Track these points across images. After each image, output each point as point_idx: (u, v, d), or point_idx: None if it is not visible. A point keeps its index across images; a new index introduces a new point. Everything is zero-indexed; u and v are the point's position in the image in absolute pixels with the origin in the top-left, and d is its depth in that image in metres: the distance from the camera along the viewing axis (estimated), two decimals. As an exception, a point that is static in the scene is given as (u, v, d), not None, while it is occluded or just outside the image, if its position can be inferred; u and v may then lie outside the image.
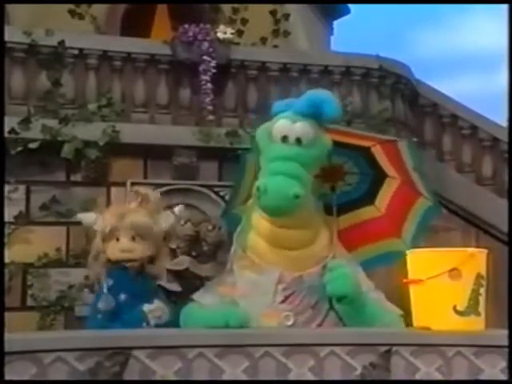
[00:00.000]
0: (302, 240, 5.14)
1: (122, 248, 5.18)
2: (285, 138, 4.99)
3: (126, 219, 5.22)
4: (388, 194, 5.63)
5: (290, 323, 5.04)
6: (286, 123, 5.02)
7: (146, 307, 5.06)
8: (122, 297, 5.08)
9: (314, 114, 4.98)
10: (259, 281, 5.13)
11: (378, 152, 5.52)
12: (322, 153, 5.09)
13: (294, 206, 4.83)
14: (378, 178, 5.63)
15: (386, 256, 5.56)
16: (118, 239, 5.19)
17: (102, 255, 5.23)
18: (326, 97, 5.05)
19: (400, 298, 4.86)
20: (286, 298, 5.11)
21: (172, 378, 3.80)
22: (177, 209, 5.48)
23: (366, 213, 5.70)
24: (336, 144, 5.30)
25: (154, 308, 5.09)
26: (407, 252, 4.49)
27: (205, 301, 5.22)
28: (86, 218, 5.39)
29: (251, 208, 5.30)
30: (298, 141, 4.97)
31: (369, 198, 5.69)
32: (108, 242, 5.21)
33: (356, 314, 4.98)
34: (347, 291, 4.94)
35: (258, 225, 5.20)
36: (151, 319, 5.02)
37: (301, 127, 4.98)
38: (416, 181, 5.50)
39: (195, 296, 5.37)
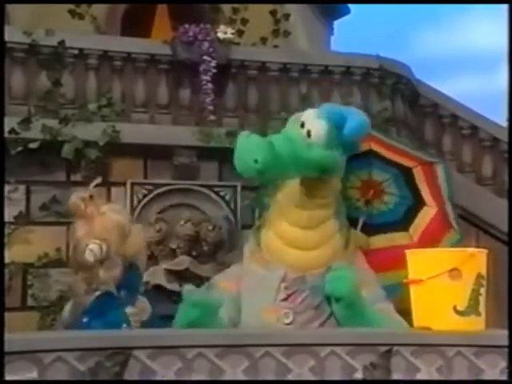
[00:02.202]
0: (313, 241, 5.16)
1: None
2: (303, 125, 5.02)
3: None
4: (423, 223, 5.60)
5: (288, 321, 5.06)
6: (311, 114, 5.05)
7: (129, 309, 5.01)
8: (122, 293, 5.06)
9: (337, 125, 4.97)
10: (265, 276, 5.16)
11: (419, 174, 5.51)
12: (324, 161, 4.99)
13: (253, 170, 4.79)
14: (415, 204, 5.59)
15: None
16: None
17: (117, 256, 5.12)
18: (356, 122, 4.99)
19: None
20: (288, 296, 5.13)
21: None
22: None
23: (399, 238, 5.65)
24: (380, 158, 5.30)
25: (136, 312, 5.03)
26: (407, 252, 4.49)
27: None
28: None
29: (274, 205, 5.32)
30: (308, 134, 4.98)
31: (404, 223, 5.66)
32: (126, 237, 5.14)
33: (353, 319, 4.97)
34: (344, 293, 4.95)
35: (274, 222, 5.22)
36: (133, 322, 4.97)
37: (317, 124, 4.98)
38: (449, 210, 5.49)
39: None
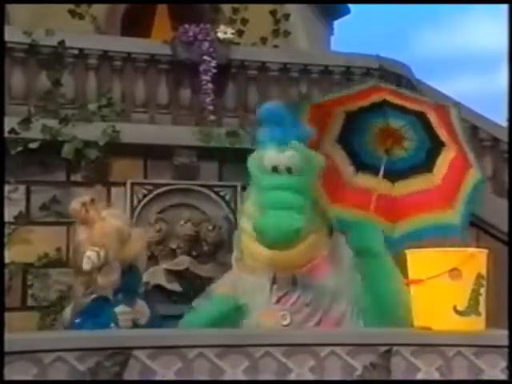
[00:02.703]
0: None
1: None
2: (275, 168, 5.03)
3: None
4: (445, 164, 5.61)
5: (286, 322, 5.06)
6: (274, 154, 5.07)
7: (119, 308, 4.99)
8: (119, 296, 5.04)
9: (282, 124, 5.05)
10: (254, 282, 5.15)
11: (433, 118, 5.50)
12: (314, 174, 5.09)
13: (294, 238, 4.87)
14: (434, 146, 5.60)
15: (439, 228, 5.54)
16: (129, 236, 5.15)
17: (115, 261, 5.08)
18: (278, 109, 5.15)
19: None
20: (280, 298, 5.13)
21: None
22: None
23: (423, 182, 5.68)
24: (394, 106, 5.32)
25: (125, 311, 5.01)
26: (407, 252, 4.49)
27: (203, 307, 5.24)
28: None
29: (243, 211, 5.33)
30: (289, 170, 5.02)
31: (426, 166, 5.67)
32: (125, 242, 5.13)
33: (378, 271, 5.04)
34: (367, 244, 5.02)
35: (247, 228, 5.22)
36: (121, 321, 4.95)
37: (289, 156, 5.04)
38: (467, 150, 5.51)
39: (194, 303, 5.38)
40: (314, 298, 5.14)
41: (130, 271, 5.14)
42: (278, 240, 4.84)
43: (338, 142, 5.64)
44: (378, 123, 5.60)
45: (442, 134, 5.54)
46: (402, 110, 5.49)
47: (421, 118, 5.53)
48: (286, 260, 5.12)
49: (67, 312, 5.27)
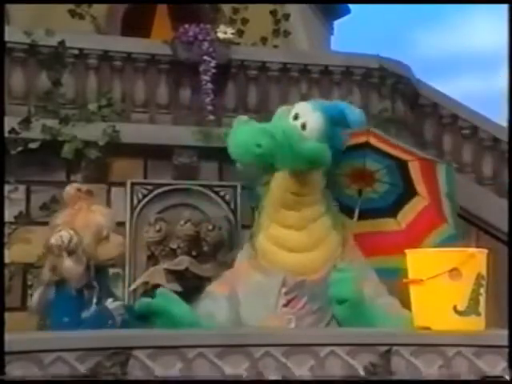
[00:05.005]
0: (308, 242, 5.14)
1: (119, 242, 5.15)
2: (296, 117, 5.00)
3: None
4: (413, 211, 5.65)
5: (291, 327, 5.04)
6: (305, 106, 5.05)
7: (110, 304, 4.96)
8: (86, 294, 5.00)
9: (337, 120, 5.00)
10: (264, 283, 5.14)
11: (415, 168, 5.54)
12: (317, 154, 5.03)
13: (254, 154, 4.92)
14: (406, 192, 5.64)
15: (395, 271, 5.50)
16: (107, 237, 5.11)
17: (84, 255, 5.02)
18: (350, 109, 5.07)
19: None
20: (289, 301, 5.12)
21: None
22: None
23: (386, 224, 5.71)
24: (376, 150, 5.32)
25: (118, 306, 4.99)
26: (407, 252, 4.49)
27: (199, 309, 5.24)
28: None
29: (262, 209, 5.32)
30: (303, 126, 4.97)
31: (392, 210, 5.70)
32: (100, 242, 5.10)
33: (355, 319, 4.96)
34: (348, 296, 4.94)
35: (266, 226, 5.21)
36: (117, 316, 4.92)
37: (313, 117, 4.98)
38: (445, 206, 5.50)
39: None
40: (321, 308, 5.12)
41: (97, 272, 5.09)
42: (240, 149, 5.02)
43: None
44: (354, 163, 5.59)
45: (419, 184, 5.58)
46: (383, 155, 5.50)
47: (401, 164, 5.56)
48: (300, 264, 5.12)
49: (35, 297, 5.21)
